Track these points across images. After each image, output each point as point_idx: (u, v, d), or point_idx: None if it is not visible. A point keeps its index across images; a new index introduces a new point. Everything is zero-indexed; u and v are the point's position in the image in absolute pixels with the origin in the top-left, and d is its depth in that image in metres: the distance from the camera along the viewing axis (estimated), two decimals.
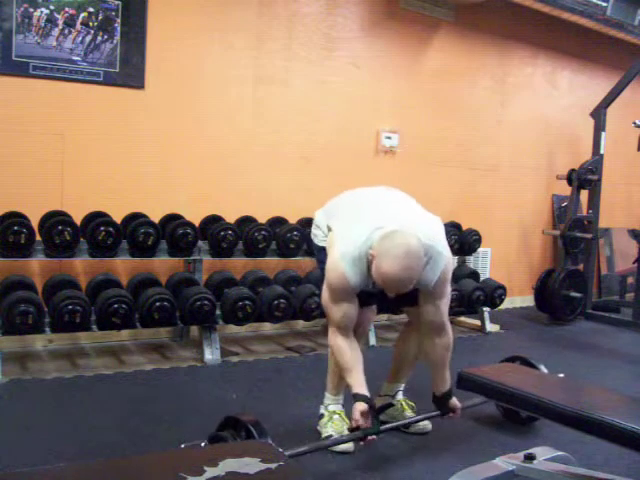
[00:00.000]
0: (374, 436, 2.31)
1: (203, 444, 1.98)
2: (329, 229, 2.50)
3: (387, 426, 2.48)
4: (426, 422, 2.71)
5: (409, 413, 2.75)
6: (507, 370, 2.62)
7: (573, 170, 5.49)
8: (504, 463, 1.94)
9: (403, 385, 2.85)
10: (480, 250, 5.17)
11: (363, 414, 2.27)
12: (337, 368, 2.54)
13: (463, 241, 4.83)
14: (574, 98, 6.30)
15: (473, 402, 2.68)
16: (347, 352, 2.37)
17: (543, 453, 1.99)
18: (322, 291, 2.43)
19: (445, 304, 2.44)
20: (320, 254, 2.58)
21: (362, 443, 2.32)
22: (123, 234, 3.61)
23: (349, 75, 4.86)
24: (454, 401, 2.56)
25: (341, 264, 2.27)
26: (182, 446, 2.01)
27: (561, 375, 2.62)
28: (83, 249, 3.53)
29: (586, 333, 5.12)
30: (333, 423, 2.58)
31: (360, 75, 4.91)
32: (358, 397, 2.30)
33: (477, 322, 4.95)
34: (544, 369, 2.84)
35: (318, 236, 2.62)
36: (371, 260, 2.19)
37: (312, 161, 4.70)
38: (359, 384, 2.33)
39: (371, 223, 2.27)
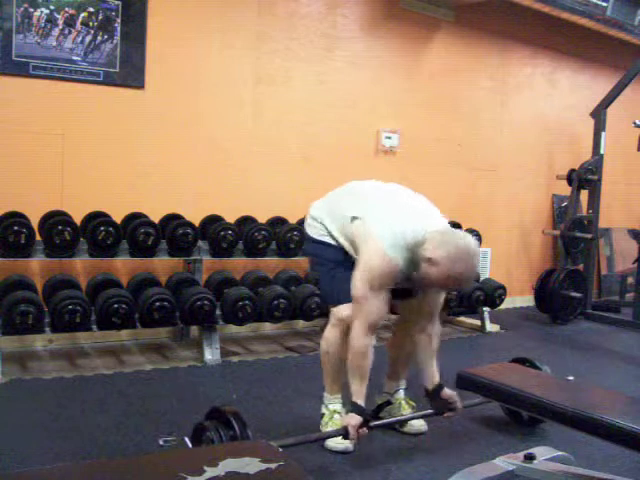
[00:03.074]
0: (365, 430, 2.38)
1: (186, 438, 2.08)
2: (354, 218, 2.43)
3: (377, 422, 2.50)
4: (422, 423, 2.72)
5: (407, 412, 2.75)
6: (507, 370, 2.62)
7: (573, 170, 5.50)
8: (504, 463, 1.94)
9: (403, 383, 2.84)
10: (480, 250, 5.16)
11: (359, 431, 2.33)
12: (336, 366, 2.57)
13: None
14: (574, 98, 6.29)
15: (473, 402, 2.67)
16: (370, 358, 2.41)
17: (543, 453, 2.00)
18: (355, 283, 2.36)
19: (442, 295, 2.61)
20: (315, 247, 2.61)
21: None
22: (123, 234, 3.62)
23: (349, 75, 4.86)
24: (447, 391, 2.57)
25: (389, 251, 2.31)
26: (160, 442, 2.05)
27: (570, 378, 2.61)
28: (83, 249, 3.53)
29: (586, 333, 5.12)
30: (333, 422, 2.58)
31: (360, 75, 4.91)
32: (357, 408, 2.37)
33: (477, 322, 4.95)
34: (549, 372, 2.83)
35: (316, 227, 2.60)
36: (427, 262, 2.22)
37: (312, 161, 4.70)
38: (362, 394, 2.40)
39: (410, 218, 2.36)
